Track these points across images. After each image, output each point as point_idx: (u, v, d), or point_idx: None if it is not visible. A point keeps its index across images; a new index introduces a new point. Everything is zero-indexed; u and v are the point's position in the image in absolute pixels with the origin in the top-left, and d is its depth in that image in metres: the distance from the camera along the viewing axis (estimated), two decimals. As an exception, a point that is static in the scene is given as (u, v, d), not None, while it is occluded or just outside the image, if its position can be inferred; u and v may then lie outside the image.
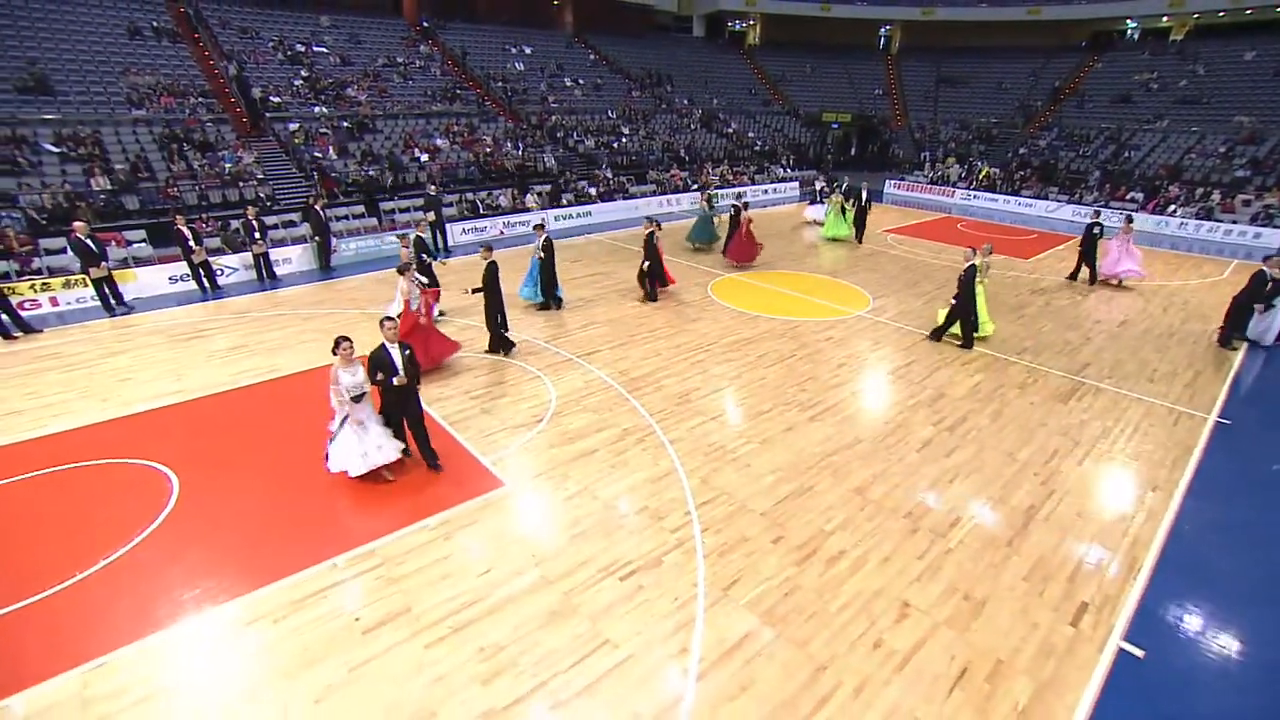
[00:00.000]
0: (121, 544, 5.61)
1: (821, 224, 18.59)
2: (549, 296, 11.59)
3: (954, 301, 10.09)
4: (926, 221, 21.01)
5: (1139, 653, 4.73)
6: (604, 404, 8.20)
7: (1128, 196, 21.80)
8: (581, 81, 30.14)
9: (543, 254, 11.15)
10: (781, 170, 27.28)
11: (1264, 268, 10.09)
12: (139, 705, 4.15)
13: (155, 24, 21.07)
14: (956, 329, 10.30)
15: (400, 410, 6.43)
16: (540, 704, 4.18)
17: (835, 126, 36.75)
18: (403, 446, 6.49)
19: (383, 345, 6.21)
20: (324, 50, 24.00)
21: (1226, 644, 4.85)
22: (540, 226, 11.28)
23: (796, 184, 25.98)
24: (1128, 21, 36.39)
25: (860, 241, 17.59)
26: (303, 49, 23.43)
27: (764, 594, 5.14)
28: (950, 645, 4.74)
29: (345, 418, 6.14)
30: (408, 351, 6.26)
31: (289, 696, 4.22)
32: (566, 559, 5.50)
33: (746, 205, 15.33)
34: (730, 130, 31.50)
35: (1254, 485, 6.88)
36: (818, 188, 21.76)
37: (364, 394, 6.16)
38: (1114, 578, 5.46)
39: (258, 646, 4.61)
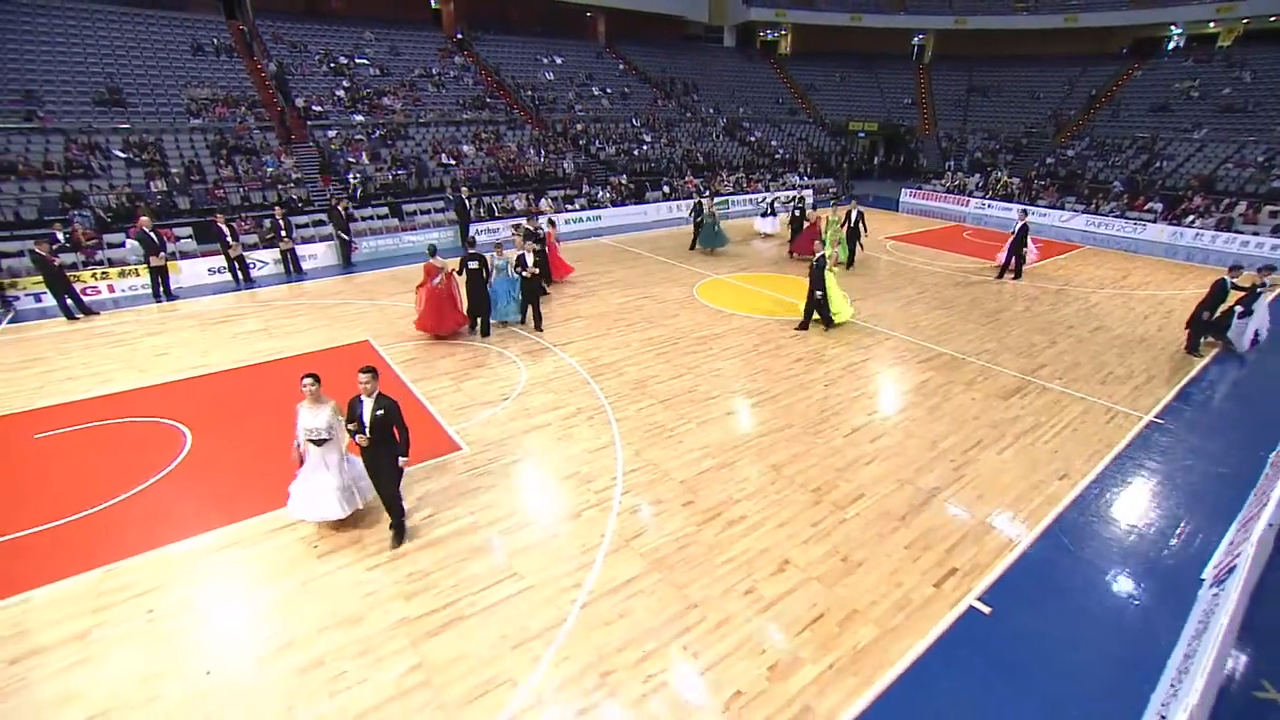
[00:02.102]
0: (141, 482, 6.76)
1: (771, 236, 18.88)
2: (536, 314, 11.21)
3: (818, 293, 11.16)
4: (933, 230, 21.15)
5: (986, 610, 5.28)
6: (566, 386, 9.06)
7: (1146, 207, 21.43)
8: (609, 90, 31.21)
9: (532, 271, 10.75)
10: (797, 178, 27.71)
11: (1225, 277, 10.22)
12: (135, 598, 5.21)
13: (216, 41, 23.12)
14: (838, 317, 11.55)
15: (372, 470, 5.78)
16: (446, 616, 5.05)
17: (862, 135, 36.83)
18: (357, 506, 6.01)
19: (358, 397, 5.54)
20: (365, 62, 25.72)
21: (1066, 607, 5.33)
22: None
23: (810, 191, 26.38)
24: (1172, 28, 35.35)
25: (850, 266, 15.85)
26: (346, 61, 25.19)
27: (661, 546, 5.89)
28: (815, 596, 5.38)
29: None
30: (380, 411, 5.49)
31: (249, 601, 5.20)
32: (499, 509, 6.37)
33: (813, 206, 16.63)
34: (753, 139, 32.07)
35: (1156, 479, 7.20)
36: (769, 200, 19.88)
37: (325, 440, 5.62)
38: (990, 550, 5.98)
39: (233, 564, 5.62)
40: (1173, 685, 4.09)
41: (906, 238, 19.61)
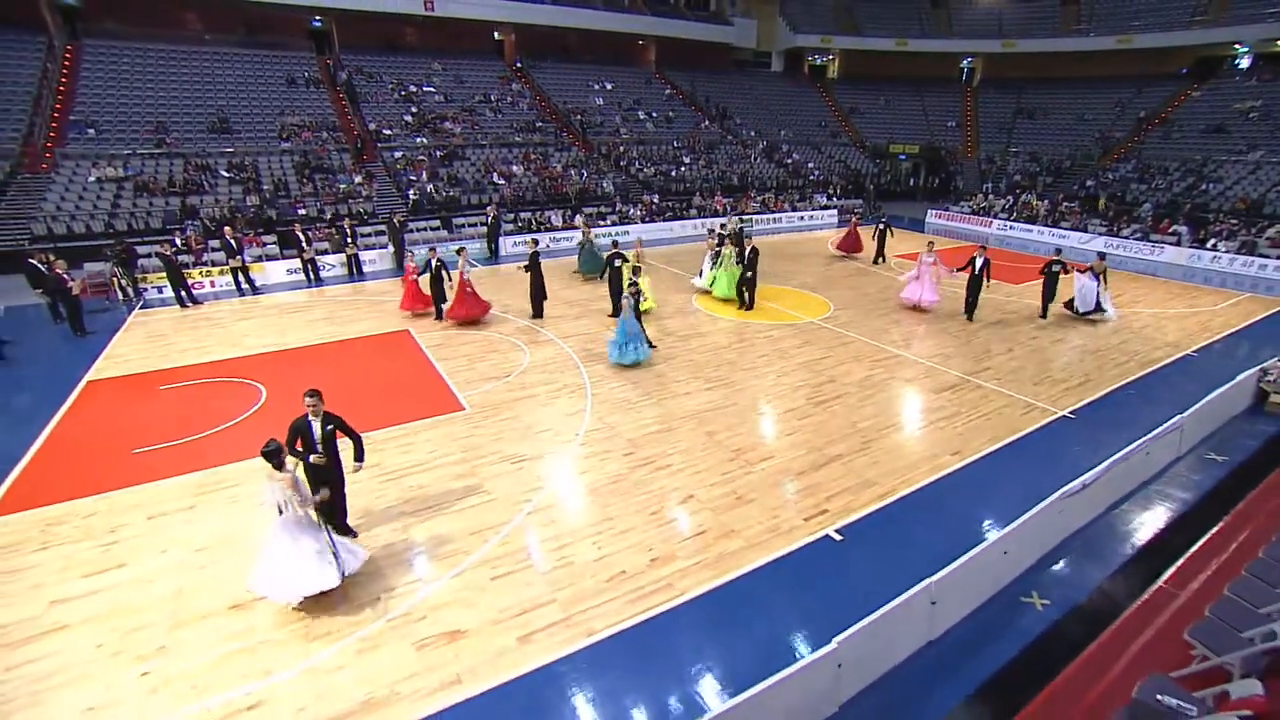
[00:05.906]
0: (229, 420, 9.12)
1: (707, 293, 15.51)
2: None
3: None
4: (945, 250, 21.95)
5: (839, 538, 6.75)
6: (559, 368, 10.97)
7: (1170, 230, 21.50)
8: (654, 114, 33.35)
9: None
10: (824, 199, 28.89)
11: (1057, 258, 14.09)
12: (223, 490, 7.44)
13: (306, 75, 26.77)
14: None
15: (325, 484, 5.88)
16: (426, 513, 7.00)
17: (903, 159, 37.48)
18: (341, 573, 5.62)
19: (305, 416, 5.82)
20: (432, 90, 28.90)
21: (908, 542, 6.70)
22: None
23: (835, 212, 27.58)
24: (1236, 47, 34.38)
25: (751, 307, 14.31)
26: (415, 89, 28.43)
27: (598, 479, 7.65)
28: (705, 519, 6.99)
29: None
30: (330, 427, 5.82)
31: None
32: (484, 450, 8.30)
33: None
34: (790, 161, 33.42)
35: (1038, 460, 8.31)
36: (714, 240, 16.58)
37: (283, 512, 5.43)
38: (863, 501, 7.39)
39: (289, 473, 7.78)
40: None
41: (913, 256, 20.55)
